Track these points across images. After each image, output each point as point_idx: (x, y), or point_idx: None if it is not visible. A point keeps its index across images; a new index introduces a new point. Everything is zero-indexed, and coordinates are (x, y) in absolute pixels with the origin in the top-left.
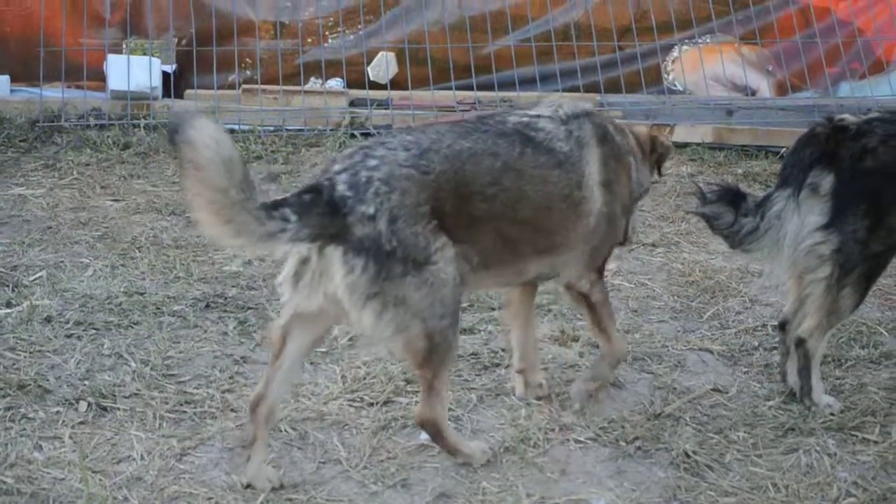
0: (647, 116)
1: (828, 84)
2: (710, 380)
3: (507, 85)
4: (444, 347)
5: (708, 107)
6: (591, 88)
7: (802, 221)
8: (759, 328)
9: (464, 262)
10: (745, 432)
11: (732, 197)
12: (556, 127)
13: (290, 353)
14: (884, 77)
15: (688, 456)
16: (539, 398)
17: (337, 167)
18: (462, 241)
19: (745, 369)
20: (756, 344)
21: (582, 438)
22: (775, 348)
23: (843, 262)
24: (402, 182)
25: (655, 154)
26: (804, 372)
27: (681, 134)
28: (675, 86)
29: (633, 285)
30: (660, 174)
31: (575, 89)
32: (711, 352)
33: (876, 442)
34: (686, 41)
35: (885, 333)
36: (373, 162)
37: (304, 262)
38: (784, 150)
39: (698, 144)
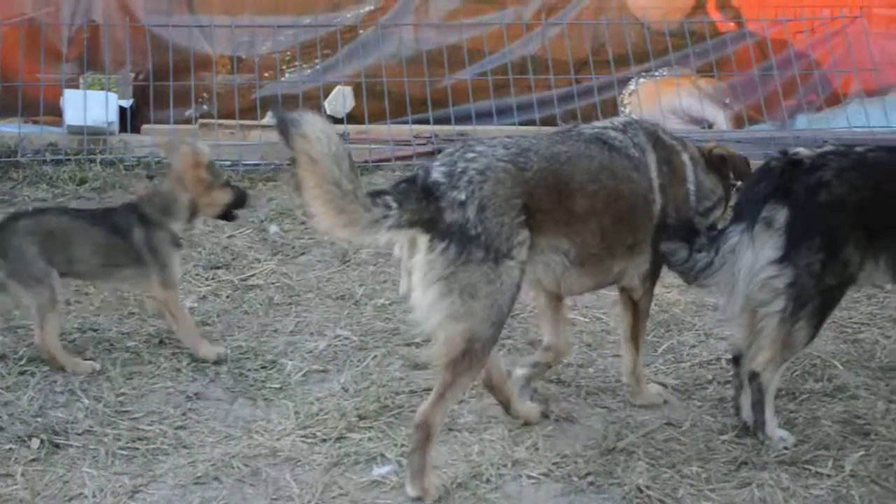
0: None
1: (784, 117)
2: (664, 414)
3: (463, 118)
4: (476, 358)
5: None
6: (548, 122)
7: (756, 255)
8: (713, 362)
9: (562, 257)
10: (698, 466)
11: (686, 233)
12: (623, 135)
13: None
14: (840, 109)
15: (640, 491)
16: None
17: (437, 161)
18: (561, 236)
19: (699, 403)
20: (710, 377)
21: (534, 474)
22: (729, 382)
23: (797, 295)
24: (498, 173)
25: (724, 165)
26: (758, 406)
27: None
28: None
29: (588, 319)
30: (732, 185)
31: (531, 122)
32: (665, 386)
33: (829, 475)
34: (643, 74)
35: (840, 366)
36: (471, 155)
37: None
38: (740, 183)
39: None
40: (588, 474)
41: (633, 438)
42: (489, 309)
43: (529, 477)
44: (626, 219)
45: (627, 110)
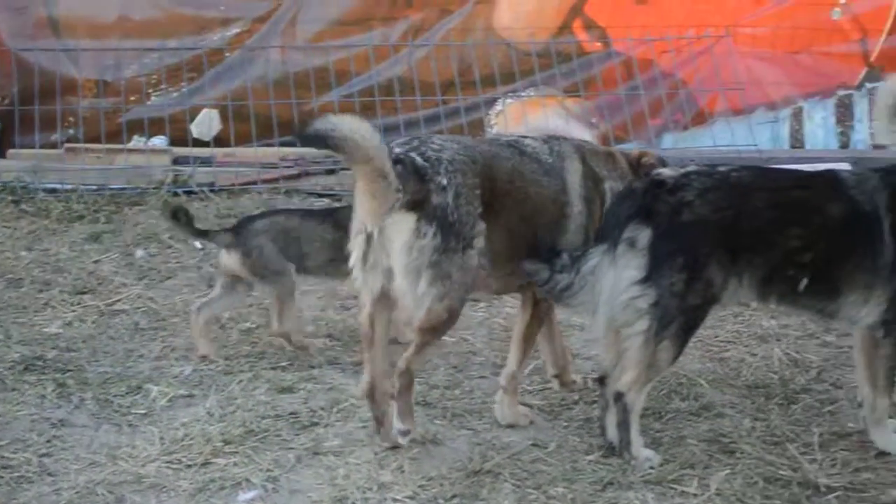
0: None
1: (651, 136)
2: (530, 435)
3: None
4: (453, 321)
5: None
6: None
7: (619, 276)
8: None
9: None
10: (564, 487)
11: (547, 254)
12: (539, 144)
13: (380, 336)
14: (706, 128)
15: None
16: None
17: (398, 149)
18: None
19: (566, 423)
20: (576, 398)
21: (400, 497)
22: (595, 402)
23: (661, 315)
24: (462, 164)
25: (643, 170)
26: (623, 425)
27: None
28: None
29: (454, 340)
30: None
31: None
32: (531, 407)
33: (695, 495)
34: (509, 95)
35: (705, 385)
36: (434, 146)
37: (369, 240)
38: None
39: None
40: (454, 496)
41: (499, 460)
42: (461, 289)
43: (395, 500)
44: (533, 221)
45: (494, 131)
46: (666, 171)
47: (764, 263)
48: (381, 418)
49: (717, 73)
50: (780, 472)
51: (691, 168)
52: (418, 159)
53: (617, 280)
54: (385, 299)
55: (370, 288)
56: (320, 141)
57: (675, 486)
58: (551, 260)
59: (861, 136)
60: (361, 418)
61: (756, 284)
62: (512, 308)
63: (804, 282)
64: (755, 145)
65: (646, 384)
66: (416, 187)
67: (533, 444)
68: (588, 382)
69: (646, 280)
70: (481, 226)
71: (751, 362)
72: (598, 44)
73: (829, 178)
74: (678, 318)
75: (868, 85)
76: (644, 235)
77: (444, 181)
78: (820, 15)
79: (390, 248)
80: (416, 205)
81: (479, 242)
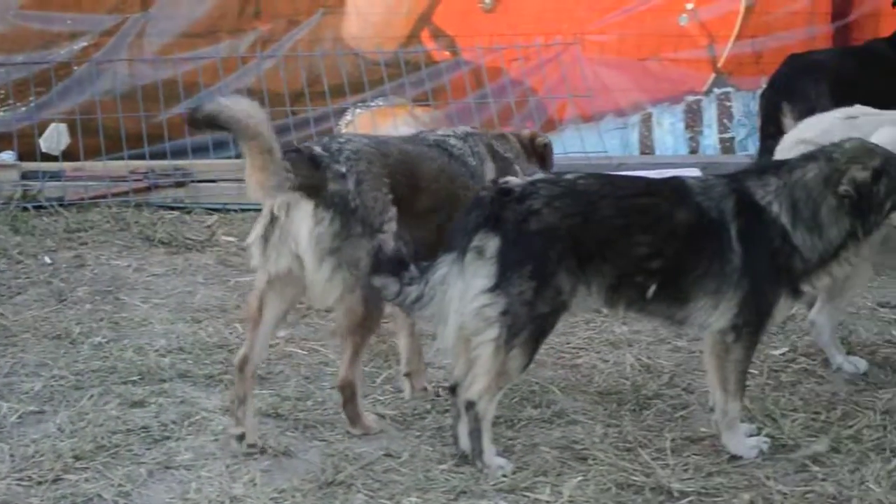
0: None
1: None
2: (383, 445)
3: (180, 153)
4: (376, 316)
5: None
6: None
7: (468, 285)
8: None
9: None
10: (417, 497)
11: (395, 266)
12: (463, 144)
13: (267, 322)
14: (556, 135)
15: None
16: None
17: (308, 144)
18: (406, 228)
19: (418, 433)
20: (429, 407)
21: None
22: (448, 411)
23: (511, 323)
24: (367, 154)
25: (537, 152)
26: (475, 434)
27: None
28: None
29: (305, 352)
30: (549, 168)
31: None
32: (384, 416)
33: (548, 502)
34: (359, 104)
35: (557, 392)
36: (342, 140)
37: (272, 222)
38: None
39: None
40: None
41: (352, 470)
42: None
43: None
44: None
45: None
46: (513, 180)
47: (612, 271)
48: (242, 398)
49: (566, 81)
50: (633, 477)
51: (538, 176)
52: (316, 149)
53: (466, 289)
54: (285, 284)
55: (268, 269)
56: (210, 122)
57: (527, 493)
58: (399, 272)
59: (710, 141)
60: (213, 431)
61: (605, 291)
62: None
63: (652, 289)
64: (605, 152)
65: (497, 393)
66: (309, 173)
67: (385, 454)
68: (440, 391)
69: (495, 288)
70: (392, 210)
71: (603, 368)
72: (447, 53)
73: (676, 185)
74: (528, 326)
75: (716, 90)
76: (492, 244)
77: (343, 168)
78: (667, 21)
79: (295, 236)
80: (313, 191)
81: (391, 227)
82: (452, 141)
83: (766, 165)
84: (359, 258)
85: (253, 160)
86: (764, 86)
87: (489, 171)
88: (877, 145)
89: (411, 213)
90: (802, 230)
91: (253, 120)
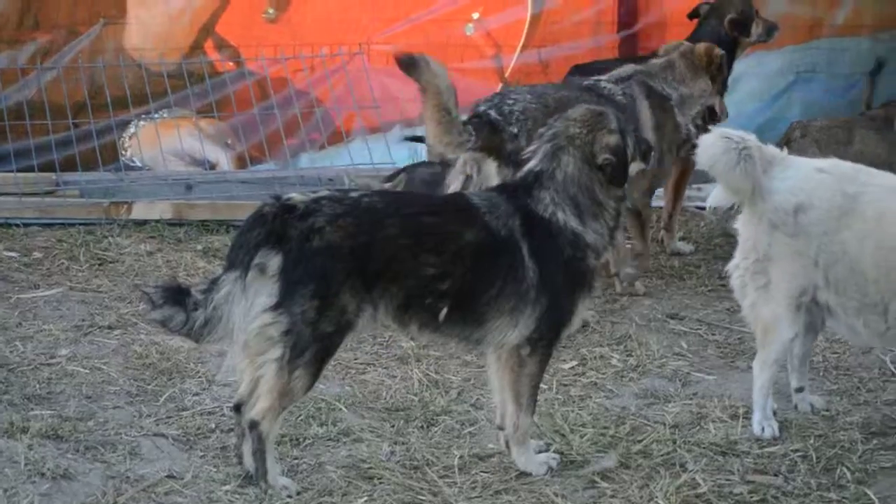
0: (105, 194)
1: (287, 156)
2: (166, 466)
3: None
4: None
5: (167, 182)
6: (47, 167)
7: (251, 303)
8: (216, 410)
9: None
10: None
11: (177, 295)
12: (614, 86)
13: None
14: (344, 147)
15: None
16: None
17: (482, 106)
18: None
19: (202, 453)
20: (213, 426)
21: None
22: (232, 430)
23: (294, 343)
24: (532, 112)
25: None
26: (258, 454)
27: (140, 211)
28: (133, 162)
29: (87, 370)
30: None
31: (30, 168)
32: (167, 436)
33: None
34: (143, 116)
35: (345, 409)
36: (510, 101)
37: (467, 180)
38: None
39: (157, 221)
40: None
41: (133, 493)
42: None
43: None
44: None
45: (129, 154)
46: (296, 196)
47: (400, 291)
48: None
49: (352, 92)
50: (420, 497)
51: (322, 193)
52: (493, 114)
53: (248, 307)
54: None
55: None
56: (410, 66)
57: None
58: (181, 300)
59: None
60: None
61: (394, 312)
62: (146, 335)
63: (444, 311)
64: (393, 163)
65: (280, 412)
66: (489, 136)
67: (168, 476)
68: (225, 410)
69: (277, 307)
70: None
71: (390, 384)
72: (231, 63)
73: (462, 204)
74: (312, 346)
75: None
76: (274, 262)
77: (515, 130)
78: (454, 31)
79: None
80: (495, 151)
81: None
82: (603, 84)
83: (525, 180)
84: None
85: (432, 114)
86: None
87: (643, 108)
88: (592, 105)
89: None
90: (591, 222)
91: (443, 80)
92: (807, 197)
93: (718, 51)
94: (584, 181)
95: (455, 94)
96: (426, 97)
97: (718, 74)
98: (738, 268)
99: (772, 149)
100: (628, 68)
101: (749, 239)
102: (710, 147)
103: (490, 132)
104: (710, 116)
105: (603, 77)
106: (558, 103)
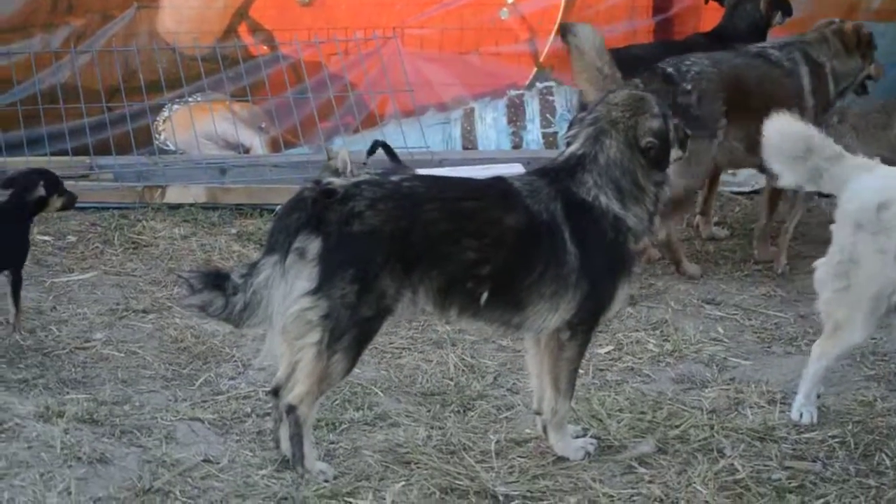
0: (139, 178)
1: (321, 139)
2: (202, 450)
3: None
4: (687, 201)
5: (201, 166)
6: (81, 151)
7: (290, 287)
8: (252, 394)
9: (741, 144)
10: None
11: (216, 279)
12: (779, 52)
13: None
14: (378, 131)
15: None
16: None
17: (662, 64)
18: (740, 129)
19: (238, 437)
20: (249, 410)
21: None
22: (269, 414)
23: (333, 327)
24: (708, 75)
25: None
26: (296, 439)
27: (173, 195)
28: (167, 146)
29: (123, 354)
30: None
31: (64, 152)
32: (202, 421)
33: None
34: (176, 100)
35: (381, 393)
36: (688, 62)
37: None
38: (280, 207)
39: (191, 205)
40: None
41: (169, 477)
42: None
43: None
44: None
45: (163, 137)
46: (336, 181)
47: (440, 276)
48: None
49: (387, 75)
50: (457, 481)
51: (362, 177)
52: (669, 69)
53: (288, 291)
54: None
55: None
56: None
57: (350, 499)
58: (221, 285)
59: (533, 136)
60: (27, 438)
61: (434, 297)
62: (181, 319)
63: (485, 295)
64: (427, 147)
65: (318, 397)
66: (659, 87)
67: (204, 460)
68: (261, 394)
69: (316, 291)
70: (723, 121)
71: (426, 369)
72: (265, 47)
73: (503, 189)
74: (351, 330)
75: (538, 85)
76: (314, 246)
77: (689, 87)
78: (488, 15)
79: None
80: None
81: (720, 135)
82: (770, 51)
83: (567, 164)
84: (700, 153)
85: (578, 68)
86: None
87: (804, 73)
88: (637, 90)
89: (745, 111)
90: (633, 206)
91: (588, 41)
92: (890, 194)
93: (866, 29)
94: (627, 165)
95: (607, 54)
96: (574, 59)
97: (868, 50)
98: (823, 265)
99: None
100: (788, 38)
101: (838, 240)
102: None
103: (663, 82)
104: (862, 88)
105: (766, 44)
106: (732, 70)
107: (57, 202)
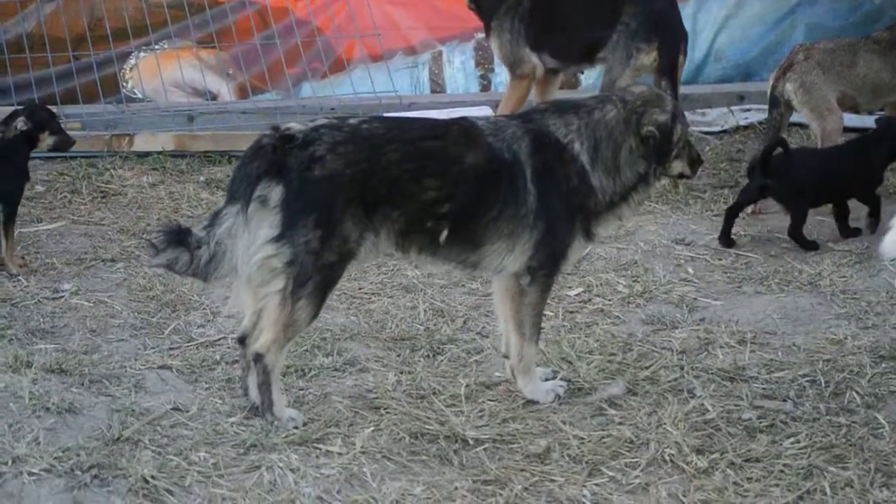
0: (106, 127)
1: (289, 85)
2: (171, 399)
3: None
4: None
5: (168, 114)
6: (48, 100)
7: (253, 236)
8: (221, 341)
9: None
10: (206, 452)
11: (178, 236)
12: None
13: None
14: (345, 76)
15: (146, 481)
16: None
17: None
18: None
19: (207, 385)
20: (218, 358)
21: (36, 470)
22: (237, 362)
23: (297, 274)
24: None
25: None
26: (264, 386)
27: (141, 143)
28: (134, 94)
29: (92, 304)
30: None
31: (31, 101)
32: (171, 369)
33: (340, 454)
34: (143, 48)
35: (350, 339)
36: None
37: None
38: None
39: (160, 153)
40: (92, 467)
41: (139, 426)
42: None
43: (31, 473)
44: None
45: (130, 85)
46: (295, 126)
47: (401, 216)
48: None
49: (354, 20)
50: (427, 426)
51: (321, 121)
52: None
53: (251, 240)
54: None
55: None
56: None
57: (319, 445)
58: (184, 240)
59: (501, 79)
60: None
61: (395, 238)
62: (149, 268)
63: (444, 233)
64: (395, 91)
65: (285, 344)
66: None
67: (173, 409)
68: (230, 341)
69: (279, 238)
70: None
71: (395, 314)
72: None
73: (465, 127)
74: (315, 276)
75: None
76: (276, 193)
77: None
78: None
79: None
80: None
81: None
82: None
83: (562, 104)
84: None
85: None
86: None
87: None
88: (662, 91)
89: None
90: (601, 171)
91: None
92: None
93: None
94: (616, 136)
95: None
96: None
97: None
98: None
99: None
100: None
101: None
102: None
103: None
104: None
105: None
106: None
107: (48, 140)
